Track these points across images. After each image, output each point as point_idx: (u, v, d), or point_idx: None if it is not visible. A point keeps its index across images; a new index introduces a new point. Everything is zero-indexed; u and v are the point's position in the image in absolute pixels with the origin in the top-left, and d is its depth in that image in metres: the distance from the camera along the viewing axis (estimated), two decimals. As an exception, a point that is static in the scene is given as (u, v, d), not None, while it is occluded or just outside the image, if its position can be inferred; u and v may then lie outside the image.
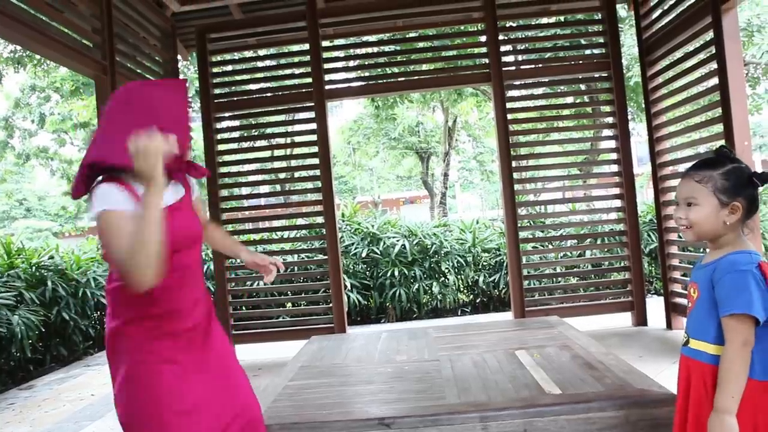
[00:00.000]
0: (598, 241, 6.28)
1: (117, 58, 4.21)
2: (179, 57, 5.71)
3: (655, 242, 6.08)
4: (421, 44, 5.62)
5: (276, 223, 7.75)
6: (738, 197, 1.56)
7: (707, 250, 1.69)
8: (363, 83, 5.48)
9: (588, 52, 5.53)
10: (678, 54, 4.76)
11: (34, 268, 5.86)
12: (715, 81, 4.03)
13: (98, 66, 4.02)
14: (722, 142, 3.92)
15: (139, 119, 1.52)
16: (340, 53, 5.55)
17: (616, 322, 5.34)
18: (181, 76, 10.35)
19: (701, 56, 4.43)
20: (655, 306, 5.43)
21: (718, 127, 4.07)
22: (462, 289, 7.13)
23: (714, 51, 3.98)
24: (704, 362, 1.56)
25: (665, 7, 4.72)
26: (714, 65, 4.01)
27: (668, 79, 4.91)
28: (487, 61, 5.22)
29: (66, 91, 12.21)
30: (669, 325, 5.05)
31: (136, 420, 1.58)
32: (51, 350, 5.78)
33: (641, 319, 5.20)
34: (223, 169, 5.52)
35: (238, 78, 5.65)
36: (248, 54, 5.94)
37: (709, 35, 4.05)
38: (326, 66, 5.36)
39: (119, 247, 1.44)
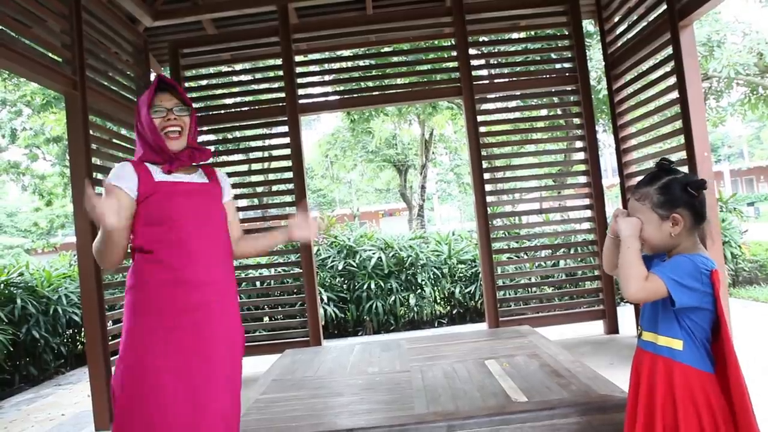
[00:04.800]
0: (571, 251, 6.39)
1: (88, 74, 4.19)
2: (152, 72, 5.71)
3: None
4: (394, 59, 5.69)
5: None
6: (676, 209, 1.58)
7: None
8: (337, 97, 5.52)
9: (557, 66, 5.65)
10: (641, 68, 4.91)
11: (2, 285, 5.75)
12: (675, 94, 4.16)
13: (68, 81, 4.00)
14: (683, 153, 4.05)
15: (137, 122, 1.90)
16: (315, 68, 5.58)
17: (588, 331, 5.42)
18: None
19: (666, 69, 4.55)
20: (627, 314, 5.53)
21: (680, 139, 4.20)
22: (438, 301, 7.17)
23: (674, 66, 4.12)
24: (660, 355, 1.60)
25: (628, 24, 4.87)
26: (674, 79, 4.14)
27: (633, 92, 5.05)
28: (458, 75, 5.32)
29: (37, 104, 12.04)
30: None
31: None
32: (20, 370, 5.66)
33: (613, 328, 5.29)
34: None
35: (212, 93, 5.66)
36: (222, 69, 5.94)
37: (669, 50, 4.19)
38: (300, 80, 5.41)
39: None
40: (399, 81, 5.51)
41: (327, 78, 5.67)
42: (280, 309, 5.66)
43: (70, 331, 6.35)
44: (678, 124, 4.19)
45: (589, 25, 7.55)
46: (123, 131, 5.13)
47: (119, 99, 4.78)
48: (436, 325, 6.85)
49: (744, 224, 8.19)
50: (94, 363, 3.93)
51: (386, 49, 5.81)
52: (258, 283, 6.09)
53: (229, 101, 5.60)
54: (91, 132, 4.19)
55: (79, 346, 6.44)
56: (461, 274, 7.01)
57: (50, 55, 4.00)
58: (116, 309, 4.83)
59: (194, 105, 5.49)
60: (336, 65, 6.68)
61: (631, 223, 1.62)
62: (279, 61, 5.42)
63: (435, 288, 7.01)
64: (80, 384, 5.41)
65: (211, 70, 5.99)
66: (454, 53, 5.37)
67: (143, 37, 5.29)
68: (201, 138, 5.86)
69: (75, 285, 6.23)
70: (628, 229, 1.60)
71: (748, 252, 7.62)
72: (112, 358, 4.07)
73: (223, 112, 5.57)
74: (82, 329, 6.04)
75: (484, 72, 5.90)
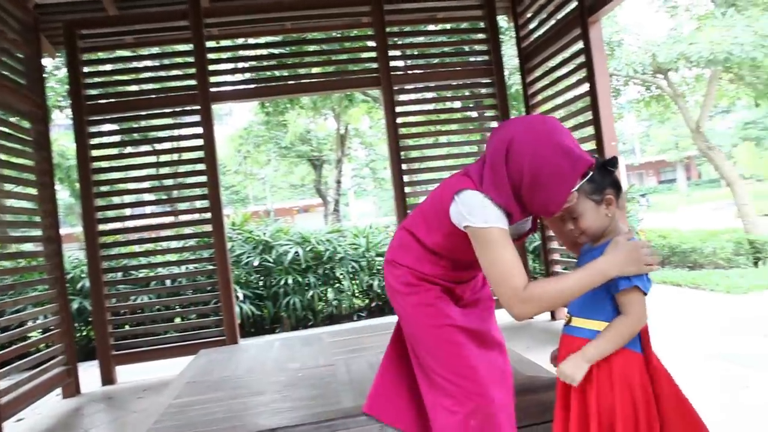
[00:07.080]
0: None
1: (-34, 52, 3.74)
2: (45, 54, 5.21)
3: (539, 240, 6.43)
4: (311, 48, 5.55)
5: (163, 233, 7.30)
6: (605, 190, 1.65)
7: None
8: (251, 86, 5.29)
9: (473, 59, 5.74)
10: (553, 62, 5.09)
11: None
12: (585, 87, 4.34)
13: (-58, 59, 3.55)
14: (593, 142, 4.24)
15: (529, 173, 1.56)
16: (228, 54, 5.32)
17: (506, 317, 5.55)
18: (46, 77, 9.34)
19: (576, 62, 4.75)
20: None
21: (590, 130, 4.39)
22: (357, 294, 7.12)
23: (584, 60, 4.29)
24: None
25: (540, 20, 5.03)
26: (584, 73, 4.32)
27: (545, 85, 5.23)
28: (376, 65, 5.26)
29: None
30: (553, 317, 5.36)
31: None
32: None
33: (528, 314, 5.46)
34: (102, 176, 5.08)
35: (114, 78, 5.26)
36: (126, 53, 5.53)
37: (579, 45, 4.37)
38: (212, 68, 5.14)
39: (505, 264, 1.62)
40: (316, 70, 5.36)
41: (241, 66, 5.43)
42: (192, 308, 5.36)
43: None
44: (588, 114, 4.38)
45: (502, 21, 7.75)
46: (12, 119, 4.62)
47: (6, 82, 4.30)
48: (355, 318, 6.80)
49: (639, 213, 8.81)
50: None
51: (303, 37, 5.66)
52: (168, 282, 5.75)
53: (134, 88, 5.21)
54: (-29, 117, 3.75)
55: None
56: (380, 267, 7.00)
57: None
58: None
59: (93, 92, 5.11)
60: (251, 53, 6.42)
61: (574, 363, 1.60)
62: (189, 47, 5.12)
63: (353, 281, 6.95)
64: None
65: (113, 54, 5.56)
66: (373, 43, 5.31)
67: (33, 14, 4.80)
68: (104, 127, 5.40)
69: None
70: (577, 369, 1.59)
71: (644, 238, 8.18)
72: None
73: (125, 99, 5.15)
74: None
75: (402, 63, 5.88)
